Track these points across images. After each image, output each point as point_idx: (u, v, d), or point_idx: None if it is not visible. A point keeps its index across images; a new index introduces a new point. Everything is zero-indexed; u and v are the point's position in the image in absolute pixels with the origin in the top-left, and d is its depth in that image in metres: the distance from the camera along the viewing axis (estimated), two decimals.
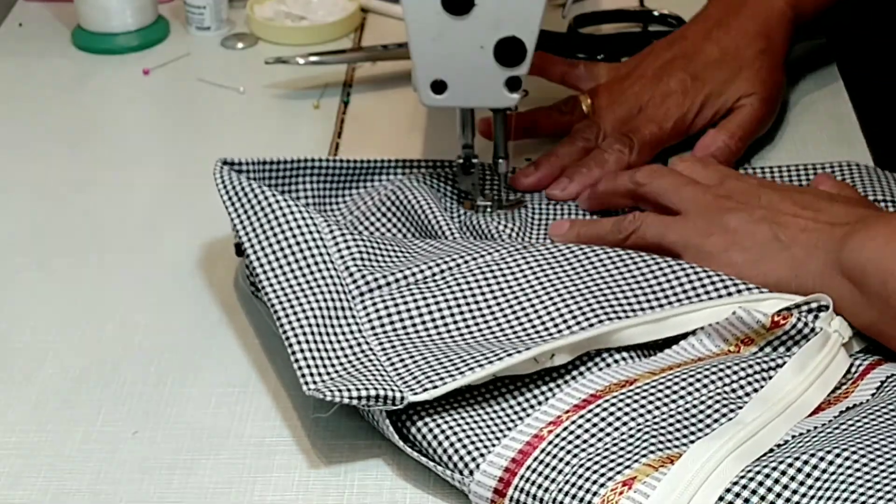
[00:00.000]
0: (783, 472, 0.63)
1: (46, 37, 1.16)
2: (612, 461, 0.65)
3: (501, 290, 0.76)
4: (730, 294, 0.75)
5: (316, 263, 0.76)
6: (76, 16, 1.14)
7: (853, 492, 0.62)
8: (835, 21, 1.03)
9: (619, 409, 0.68)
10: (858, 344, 0.75)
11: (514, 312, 0.75)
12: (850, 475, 0.63)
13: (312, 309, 0.73)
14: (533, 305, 0.75)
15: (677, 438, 0.67)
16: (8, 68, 1.12)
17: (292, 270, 0.75)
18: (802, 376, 0.70)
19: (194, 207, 0.92)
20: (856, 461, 0.63)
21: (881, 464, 0.63)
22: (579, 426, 0.68)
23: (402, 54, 1.06)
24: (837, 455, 0.63)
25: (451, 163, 0.90)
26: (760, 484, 0.62)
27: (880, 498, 0.61)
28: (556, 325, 0.74)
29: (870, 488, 0.62)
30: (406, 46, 0.82)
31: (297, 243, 0.76)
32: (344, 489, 0.69)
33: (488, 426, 0.69)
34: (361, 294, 0.75)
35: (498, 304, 0.76)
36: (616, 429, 0.67)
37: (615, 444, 0.66)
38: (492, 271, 0.77)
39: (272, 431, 0.73)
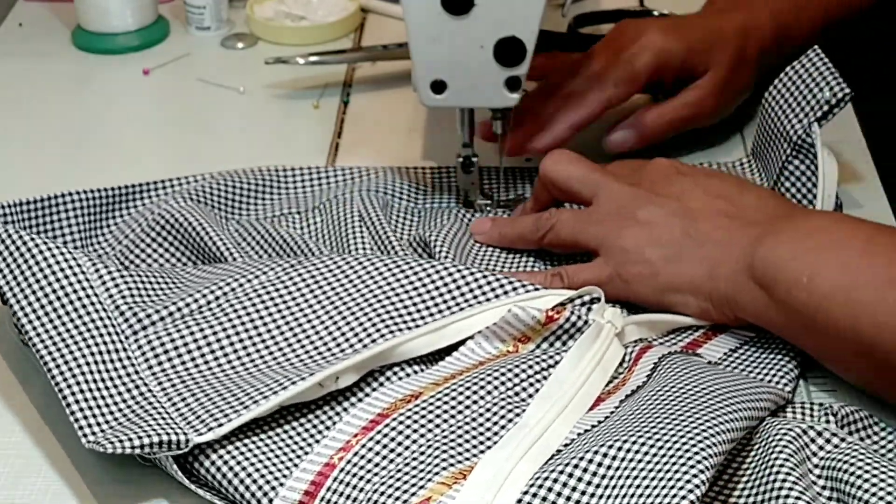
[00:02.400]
0: (570, 475, 0.62)
1: (46, 37, 1.16)
2: (405, 482, 0.64)
3: (280, 311, 0.73)
4: (507, 293, 0.75)
5: (83, 306, 0.71)
6: (76, 16, 1.14)
7: (638, 486, 0.62)
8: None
9: (407, 426, 0.67)
10: (632, 335, 0.76)
11: (294, 336, 0.73)
12: (633, 466, 0.62)
13: (84, 355, 0.69)
14: (314, 327, 0.73)
15: (467, 451, 0.66)
16: (8, 68, 1.12)
17: (59, 316, 0.70)
18: (580, 369, 0.71)
19: None
20: (637, 451, 0.63)
21: (660, 449, 0.63)
22: (369, 449, 0.66)
23: (402, 54, 1.06)
24: (619, 448, 0.63)
25: (217, 176, 0.88)
26: (549, 490, 0.62)
27: (660, 486, 0.61)
28: (338, 346, 0.72)
29: (653, 478, 0.62)
30: (406, 46, 0.82)
31: (62, 286, 0.71)
32: None
33: (279, 457, 0.67)
34: (135, 332, 0.71)
35: (278, 327, 0.73)
36: (406, 447, 0.66)
37: (406, 465, 0.65)
38: (268, 293, 0.74)
39: None
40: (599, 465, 0.63)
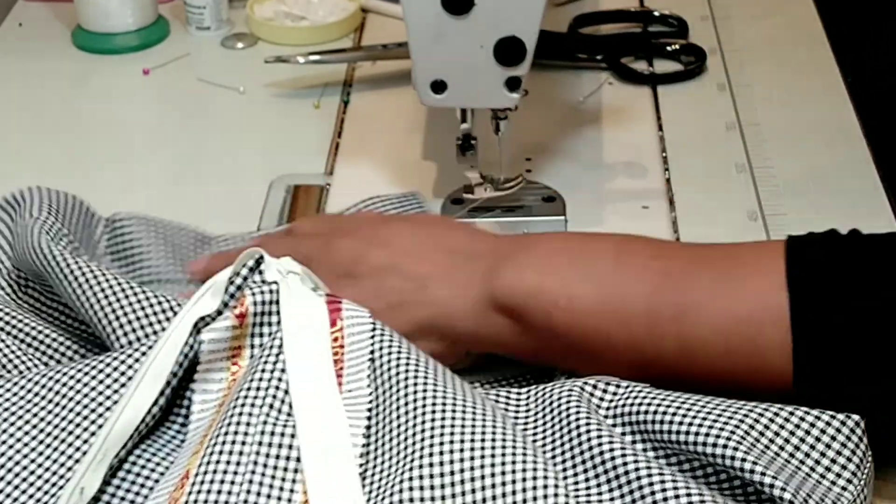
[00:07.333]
0: (411, 500, 0.60)
1: (46, 37, 1.16)
2: None
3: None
4: (166, 324, 0.68)
5: None
6: (76, 16, 1.14)
7: (474, 489, 0.60)
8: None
9: None
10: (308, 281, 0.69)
11: (8, 470, 0.64)
12: (469, 468, 0.61)
13: None
14: (18, 451, 0.65)
15: (281, 492, 0.61)
16: (8, 68, 1.12)
17: None
18: (302, 336, 0.65)
19: (194, 207, 0.92)
20: (456, 452, 0.61)
21: (482, 444, 0.61)
22: None
23: (402, 54, 1.06)
24: (441, 453, 0.61)
25: None
26: None
27: (486, 474, 0.60)
28: (56, 462, 0.65)
29: (500, 482, 0.60)
30: (406, 46, 0.82)
31: None
32: None
33: None
34: None
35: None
36: None
37: None
38: None
39: None
40: (432, 476, 0.60)
